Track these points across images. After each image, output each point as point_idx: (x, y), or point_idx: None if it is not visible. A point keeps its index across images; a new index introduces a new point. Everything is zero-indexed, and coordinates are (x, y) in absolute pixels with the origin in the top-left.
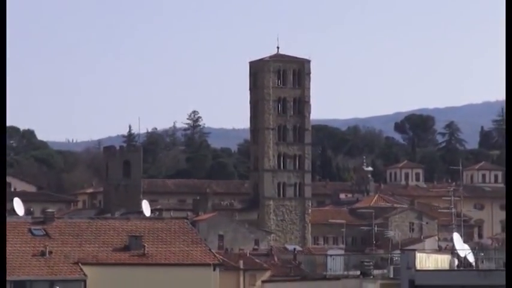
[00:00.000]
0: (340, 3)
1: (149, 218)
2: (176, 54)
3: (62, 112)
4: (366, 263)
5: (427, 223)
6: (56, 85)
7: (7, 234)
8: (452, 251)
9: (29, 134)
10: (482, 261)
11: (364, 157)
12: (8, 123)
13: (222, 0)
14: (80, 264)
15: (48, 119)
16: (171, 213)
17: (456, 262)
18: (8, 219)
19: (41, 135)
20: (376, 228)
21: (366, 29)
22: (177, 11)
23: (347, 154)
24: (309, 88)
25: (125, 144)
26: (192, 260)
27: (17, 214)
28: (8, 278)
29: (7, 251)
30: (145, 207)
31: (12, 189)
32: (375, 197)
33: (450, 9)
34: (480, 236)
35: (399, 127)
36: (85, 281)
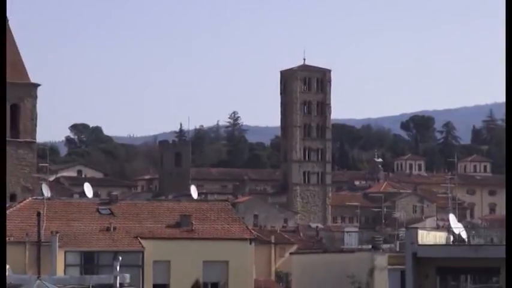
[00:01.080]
0: (354, 21)
1: (196, 200)
2: (221, 63)
3: (124, 111)
4: (376, 239)
5: (427, 206)
6: (119, 87)
7: (79, 213)
8: (448, 229)
9: (97, 130)
10: (473, 238)
11: (375, 150)
12: (80, 121)
13: (260, 20)
14: (138, 238)
15: (113, 117)
16: (215, 196)
17: (452, 238)
18: (79, 200)
19: (106, 131)
20: (385, 210)
21: (377, 43)
22: (228, 27)
23: (361, 148)
24: (329, 93)
25: (176, 139)
26: (232, 235)
27: (86, 196)
28: (79, 249)
29: (78, 227)
30: (193, 191)
31: (83, 176)
32: (384, 184)
33: (450, 21)
34: (472, 216)
35: (404, 126)
36: (143, 252)
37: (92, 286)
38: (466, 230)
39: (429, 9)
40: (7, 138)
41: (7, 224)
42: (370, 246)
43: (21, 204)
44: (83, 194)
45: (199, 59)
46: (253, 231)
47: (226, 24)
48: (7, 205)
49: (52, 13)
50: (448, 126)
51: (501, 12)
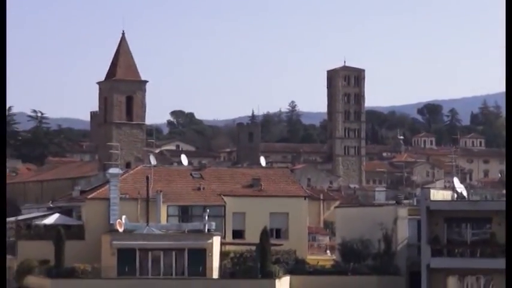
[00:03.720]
0: (381, 31)
1: (264, 167)
2: (285, 64)
3: (211, 100)
4: (399, 196)
5: (437, 171)
6: (208, 81)
7: (177, 177)
8: (453, 189)
9: (191, 114)
10: (472, 195)
11: (398, 130)
12: (177, 108)
13: (312, 31)
14: (221, 195)
15: (202, 104)
16: (278, 165)
17: (455, 195)
18: (177, 167)
19: (197, 116)
20: (405, 174)
21: (399, 47)
22: (292, 37)
23: (387, 128)
24: (363, 87)
25: (250, 122)
26: (291, 193)
27: (183, 164)
28: (177, 203)
29: (177, 187)
30: (262, 161)
31: (180, 149)
32: (405, 155)
33: (454, 26)
34: (470, 179)
35: (420, 111)
36: (224, 206)
37: (187, 231)
38: (466, 190)
39: (437, 16)
40: (124, 121)
41: (124, 185)
42: (394, 202)
43: (134, 170)
44: (180, 162)
45: (269, 61)
46: (306, 190)
47: (291, 34)
48: (124, 172)
49: (154, 27)
50: (453, 112)
51: (501, 15)
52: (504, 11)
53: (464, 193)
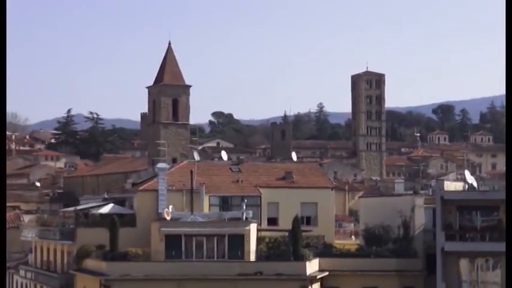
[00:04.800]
0: (399, 39)
1: (295, 162)
2: (314, 70)
3: (248, 102)
4: (416, 187)
5: (450, 165)
6: (246, 86)
7: (218, 171)
8: (464, 180)
9: (230, 115)
10: (481, 186)
11: (415, 128)
12: (218, 109)
13: (338, 39)
14: (257, 187)
15: (240, 106)
16: (308, 159)
17: (466, 186)
18: (218, 162)
19: (236, 116)
20: (421, 168)
21: (416, 53)
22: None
23: (405, 126)
24: (383, 89)
25: (282, 121)
26: (319, 185)
27: (223, 159)
28: (218, 194)
29: (217, 180)
30: (293, 156)
31: (220, 146)
32: (421, 150)
33: (462, 33)
34: (480, 172)
35: (434, 111)
36: (260, 197)
37: (227, 219)
38: (476, 181)
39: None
40: (171, 122)
41: (171, 179)
42: (412, 192)
43: (180, 165)
44: (220, 158)
45: (300, 67)
46: (333, 182)
47: (320, 43)
48: (171, 167)
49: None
50: (463, 112)
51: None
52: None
53: (475, 184)
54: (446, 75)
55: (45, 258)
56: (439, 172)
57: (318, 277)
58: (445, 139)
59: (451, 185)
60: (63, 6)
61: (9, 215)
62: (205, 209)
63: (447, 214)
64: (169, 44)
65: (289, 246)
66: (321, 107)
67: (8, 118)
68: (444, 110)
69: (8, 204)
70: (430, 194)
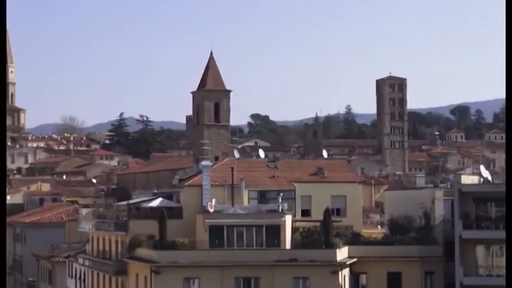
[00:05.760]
0: (419, 46)
1: (326, 159)
2: (344, 76)
3: (282, 104)
4: (435, 181)
5: (467, 160)
6: (282, 89)
7: (256, 167)
8: (480, 174)
9: (266, 117)
10: (495, 179)
11: (434, 127)
12: (256, 111)
13: (363, 47)
14: (292, 182)
15: (276, 108)
16: (337, 157)
17: (482, 180)
18: (256, 159)
19: (272, 117)
20: (441, 163)
21: (436, 58)
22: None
23: (426, 126)
24: (405, 92)
25: (314, 122)
26: (348, 179)
27: (260, 157)
28: (256, 189)
29: (256, 175)
30: (324, 153)
31: (258, 145)
32: (440, 148)
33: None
34: (494, 166)
35: (452, 112)
36: (294, 191)
37: (265, 211)
38: (490, 175)
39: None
40: (213, 123)
41: (213, 175)
42: (432, 186)
43: (222, 162)
44: (258, 156)
45: (329, 72)
46: (360, 177)
47: (347, 50)
48: (213, 164)
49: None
50: (479, 112)
51: None
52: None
53: (489, 178)
54: (463, 79)
55: (101, 247)
56: (456, 167)
57: (347, 263)
58: (461, 137)
59: (468, 179)
60: (116, 19)
61: (68, 209)
62: (245, 202)
63: (464, 205)
64: (211, 53)
65: (321, 235)
66: (348, 109)
67: (67, 121)
68: (461, 110)
69: (67, 199)
70: (449, 187)
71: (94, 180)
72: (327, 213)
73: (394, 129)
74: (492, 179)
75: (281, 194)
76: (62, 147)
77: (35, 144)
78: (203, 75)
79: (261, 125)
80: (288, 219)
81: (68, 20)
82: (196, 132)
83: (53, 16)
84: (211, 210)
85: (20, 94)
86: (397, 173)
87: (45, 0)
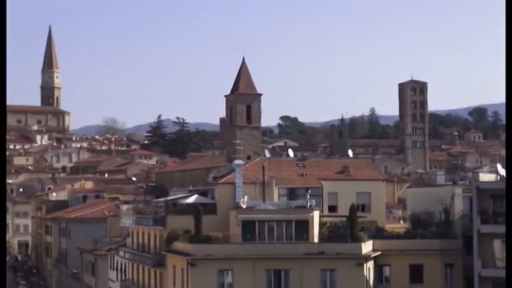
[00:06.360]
0: (438, 51)
1: (351, 158)
2: (367, 79)
3: (310, 107)
4: (455, 178)
5: (484, 159)
6: (310, 93)
7: (285, 166)
8: (497, 172)
9: (295, 118)
10: None
11: (453, 128)
12: (285, 113)
13: (387, 53)
14: (319, 180)
15: (304, 110)
16: (362, 156)
17: (499, 177)
18: (286, 159)
19: (300, 119)
20: (460, 162)
21: (453, 61)
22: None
23: (445, 126)
24: (426, 95)
25: (340, 123)
26: (372, 177)
27: (289, 156)
28: (286, 186)
29: (285, 173)
30: (350, 152)
31: (287, 145)
32: (459, 147)
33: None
34: None
35: (470, 113)
36: (322, 188)
37: (294, 207)
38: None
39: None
40: (245, 125)
41: (246, 173)
42: (451, 183)
43: (253, 161)
44: (287, 155)
45: (354, 77)
46: (384, 175)
47: (370, 56)
48: (245, 163)
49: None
50: (495, 113)
51: None
52: None
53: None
54: (481, 82)
55: (140, 241)
56: (474, 166)
57: (372, 256)
58: (479, 137)
59: (485, 177)
60: (155, 27)
61: (110, 205)
62: (275, 199)
63: (482, 201)
64: (243, 59)
65: (347, 229)
66: (372, 111)
67: (109, 123)
68: (479, 112)
69: (108, 196)
70: (467, 184)
71: (134, 178)
72: (353, 209)
73: (416, 130)
74: None
75: (309, 191)
76: (104, 148)
77: (78, 145)
78: (236, 79)
79: (290, 126)
80: (316, 214)
81: (109, 27)
82: (229, 133)
83: (95, 24)
84: (244, 206)
85: (65, 98)
86: (419, 171)
87: (87, 8)
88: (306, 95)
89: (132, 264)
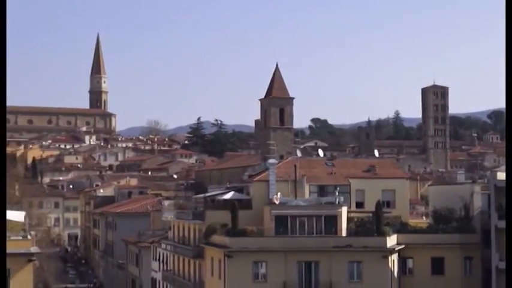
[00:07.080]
0: (460, 56)
1: (377, 157)
2: (392, 83)
3: (339, 109)
4: (474, 177)
5: (502, 159)
6: (341, 96)
7: (315, 165)
8: None
9: (325, 121)
10: None
11: (473, 130)
12: (316, 116)
13: (408, 60)
14: (347, 178)
15: (334, 112)
16: (387, 156)
17: None
18: (316, 158)
19: (330, 121)
20: (479, 161)
21: (472, 67)
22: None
23: (465, 128)
24: (447, 99)
25: (366, 125)
26: (396, 176)
27: (320, 156)
28: (316, 183)
29: (316, 172)
30: (376, 152)
31: (318, 145)
32: (478, 148)
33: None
34: None
35: (489, 116)
36: (350, 185)
37: (324, 203)
38: None
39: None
40: (278, 126)
41: (279, 171)
42: (471, 181)
43: (286, 160)
44: (317, 155)
45: (380, 82)
46: (407, 173)
47: (395, 61)
48: (279, 162)
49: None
50: None
51: None
52: None
53: None
54: (498, 86)
55: (181, 234)
56: (492, 165)
57: (396, 249)
58: (497, 138)
59: (503, 175)
60: (194, 34)
61: (153, 200)
62: (306, 195)
63: (499, 198)
64: (277, 64)
65: (373, 224)
66: (397, 113)
67: (152, 124)
68: (497, 114)
69: (151, 192)
70: (486, 182)
71: (175, 176)
72: (378, 205)
73: (437, 132)
74: None
75: (338, 188)
76: (147, 147)
77: (124, 145)
78: (270, 84)
79: (320, 127)
80: (344, 210)
81: (153, 35)
82: (264, 134)
83: (140, 32)
84: (277, 202)
85: (112, 101)
86: (440, 170)
87: (133, 18)
88: (335, 98)
89: (173, 256)
